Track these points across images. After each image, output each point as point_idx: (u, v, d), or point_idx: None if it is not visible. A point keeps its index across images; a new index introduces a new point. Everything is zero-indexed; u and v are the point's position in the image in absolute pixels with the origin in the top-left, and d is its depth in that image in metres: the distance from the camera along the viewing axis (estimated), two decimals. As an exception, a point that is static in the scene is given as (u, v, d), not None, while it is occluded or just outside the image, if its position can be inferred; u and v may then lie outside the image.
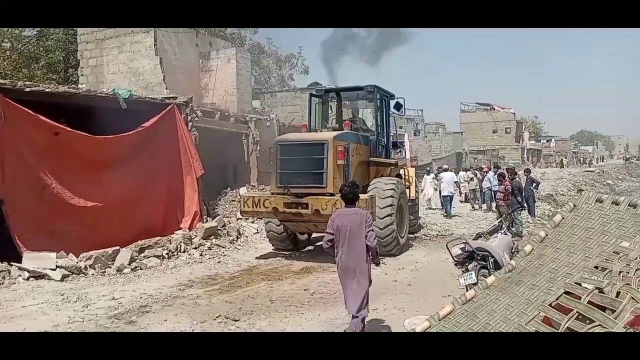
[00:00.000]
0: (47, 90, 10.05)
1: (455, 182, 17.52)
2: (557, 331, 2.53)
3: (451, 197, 16.44)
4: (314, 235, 11.17)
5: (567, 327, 2.49)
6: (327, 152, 9.24)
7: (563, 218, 3.37)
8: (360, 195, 7.45)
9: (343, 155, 9.40)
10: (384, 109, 11.71)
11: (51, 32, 21.25)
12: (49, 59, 21.45)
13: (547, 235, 3.30)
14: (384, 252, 9.38)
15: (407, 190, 11.42)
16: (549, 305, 2.72)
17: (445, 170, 18.56)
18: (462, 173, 22.23)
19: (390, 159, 12.13)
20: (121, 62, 16.56)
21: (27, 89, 9.50)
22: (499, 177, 13.61)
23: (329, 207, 8.74)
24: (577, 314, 2.51)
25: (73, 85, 14.84)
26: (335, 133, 9.82)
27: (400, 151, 12.88)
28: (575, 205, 3.41)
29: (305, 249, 11.03)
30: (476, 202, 18.57)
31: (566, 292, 2.72)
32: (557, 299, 2.71)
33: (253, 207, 9.63)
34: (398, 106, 11.62)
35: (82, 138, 10.01)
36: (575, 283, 2.70)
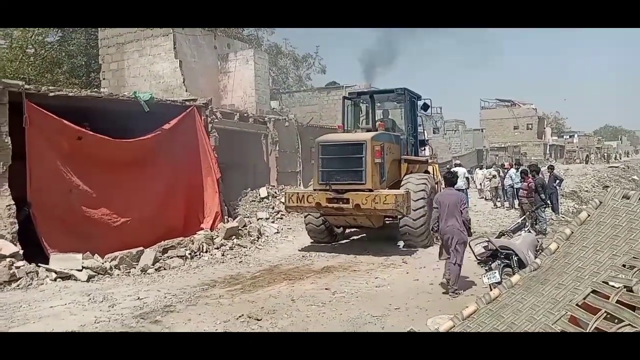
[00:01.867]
0: (70, 94, 10.24)
1: (467, 177, 17.49)
2: (585, 331, 2.49)
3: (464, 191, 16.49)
4: (347, 230, 12.09)
5: (596, 327, 2.44)
6: (365, 152, 9.96)
7: (589, 215, 3.30)
8: (394, 191, 9.82)
9: (380, 154, 10.18)
10: (413, 109, 12.38)
11: (73, 37, 21.68)
12: (72, 63, 21.88)
13: (572, 233, 3.24)
14: (417, 242, 10.41)
15: (436, 186, 11.87)
16: (576, 304, 2.67)
17: (458, 165, 19.19)
18: (479, 171, 22.05)
19: (419, 156, 12.74)
20: (142, 65, 16.80)
21: (51, 94, 9.70)
22: (522, 174, 13.41)
23: (369, 201, 9.52)
24: (605, 314, 2.46)
25: (95, 90, 15.11)
26: (373, 134, 10.50)
27: (424, 149, 13.46)
28: (601, 202, 3.33)
29: (340, 241, 11.81)
30: (498, 199, 18.36)
31: (594, 291, 2.67)
32: (584, 299, 2.66)
33: (297, 202, 10.36)
34: (425, 107, 12.28)
35: (105, 141, 10.18)
36: (603, 282, 2.65)
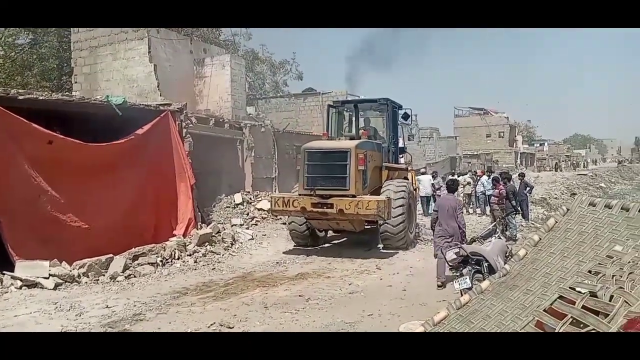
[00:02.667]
0: (40, 97, 9.99)
1: (432, 184, 17.89)
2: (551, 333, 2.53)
3: (428, 198, 17.35)
4: (330, 233, 12.46)
5: (562, 331, 2.48)
6: (349, 159, 10.37)
7: (556, 222, 3.36)
8: (376, 197, 10.43)
9: (363, 161, 10.57)
10: (394, 118, 12.85)
11: (45, 39, 21.21)
12: (43, 66, 21.39)
13: (540, 239, 3.29)
14: (396, 245, 10.84)
15: (414, 192, 12.60)
16: (543, 310, 2.71)
17: (423, 173, 19.80)
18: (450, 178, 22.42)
19: (399, 163, 13.27)
20: (115, 69, 16.52)
21: (21, 97, 9.44)
22: (493, 181, 13.65)
23: (352, 207, 9.95)
24: (571, 319, 2.50)
25: (67, 93, 14.80)
26: (357, 142, 10.93)
27: (402, 156, 13.94)
28: (568, 209, 3.40)
29: (322, 245, 12.05)
30: (471, 206, 18.63)
31: (560, 297, 2.71)
32: (551, 304, 2.71)
33: (283, 206, 10.67)
34: (406, 116, 12.94)
35: (76, 146, 9.95)
36: (569, 287, 2.70)
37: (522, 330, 2.70)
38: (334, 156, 10.65)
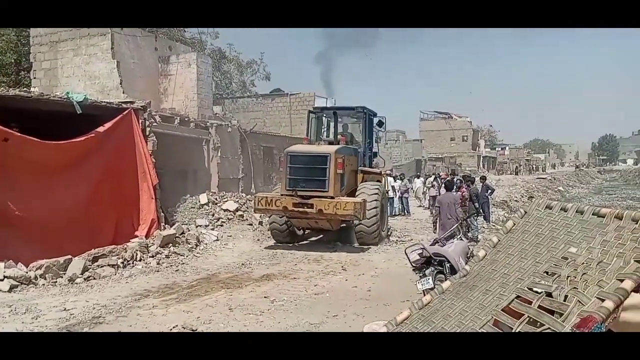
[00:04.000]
0: (-5, 92, 9.62)
1: (392, 186, 18.32)
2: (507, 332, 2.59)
3: (391, 200, 17.83)
4: (307, 232, 13.17)
5: (519, 331, 2.55)
6: (329, 163, 11.19)
7: (515, 224, 3.45)
8: (353, 198, 11.37)
9: (342, 166, 11.42)
10: (370, 125, 13.79)
11: (1, 32, 20.41)
12: (0, 60, 20.58)
13: (499, 240, 3.38)
14: (370, 241, 11.69)
15: (386, 193, 13.63)
16: (501, 310, 2.78)
17: (388, 174, 20.04)
18: (417, 180, 22.85)
19: (372, 167, 14.14)
20: (76, 65, 16.04)
21: (-26, 92, 9.08)
22: (457, 183, 13.92)
23: (331, 207, 10.77)
24: (528, 318, 2.58)
25: (25, 89, 14.27)
26: (336, 147, 11.87)
27: (376, 160, 14.75)
28: (526, 212, 3.50)
29: (300, 243, 12.68)
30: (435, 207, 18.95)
31: (517, 297, 2.79)
32: (509, 304, 2.78)
33: (266, 205, 11.37)
34: (380, 124, 13.89)
35: (34, 143, 9.61)
36: (527, 288, 2.78)
37: (481, 330, 2.76)
38: (314, 160, 11.43)
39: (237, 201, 15.65)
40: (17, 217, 9.32)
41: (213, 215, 14.86)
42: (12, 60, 20.72)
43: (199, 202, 15.33)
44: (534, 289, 2.75)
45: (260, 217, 14.65)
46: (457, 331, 2.82)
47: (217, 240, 12.57)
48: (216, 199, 15.87)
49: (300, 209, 11.00)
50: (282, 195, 11.41)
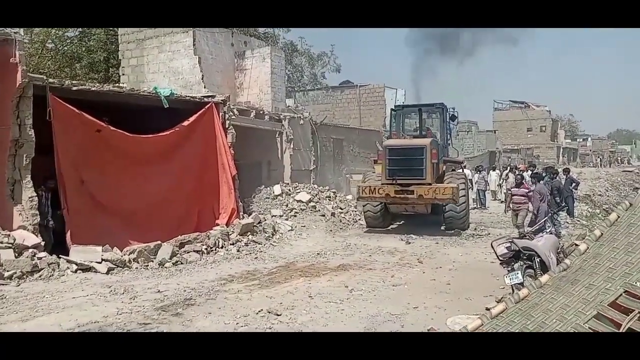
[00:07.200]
0: (92, 88, 10.40)
1: (470, 179, 18.01)
2: (617, 331, 2.52)
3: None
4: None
5: (628, 327, 2.47)
6: (426, 154, 12.42)
7: (619, 217, 3.32)
8: (449, 184, 12.54)
9: (435, 155, 12.72)
10: (446, 120, 14.91)
11: (93, 32, 21.87)
12: (91, 58, 22.07)
13: (602, 234, 3.27)
14: (458, 225, 12.91)
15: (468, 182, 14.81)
16: (607, 305, 2.70)
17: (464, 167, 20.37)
18: (493, 173, 22.03)
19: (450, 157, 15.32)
20: (161, 61, 16.90)
21: (74, 88, 9.86)
22: (533, 177, 13.02)
23: (430, 192, 12.03)
24: (638, 314, 2.49)
25: (115, 84, 15.27)
26: (430, 140, 13.08)
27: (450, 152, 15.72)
28: (631, 204, 3.36)
29: (390, 226, 14.08)
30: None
31: (625, 292, 2.70)
32: (616, 299, 2.69)
33: (369, 193, 12.66)
34: (453, 118, 14.99)
35: (123, 136, 10.31)
36: (636, 282, 2.68)
37: (586, 324, 2.69)
38: (412, 151, 12.66)
39: (310, 192, 15.90)
40: (109, 205, 10.06)
41: (287, 205, 15.19)
42: (102, 58, 22.16)
43: (273, 192, 15.71)
44: (644, 284, 2.65)
45: (332, 207, 14.85)
46: (560, 325, 2.77)
47: (291, 230, 12.88)
48: (289, 190, 16.19)
49: (401, 196, 12.29)
50: (382, 184, 12.58)
